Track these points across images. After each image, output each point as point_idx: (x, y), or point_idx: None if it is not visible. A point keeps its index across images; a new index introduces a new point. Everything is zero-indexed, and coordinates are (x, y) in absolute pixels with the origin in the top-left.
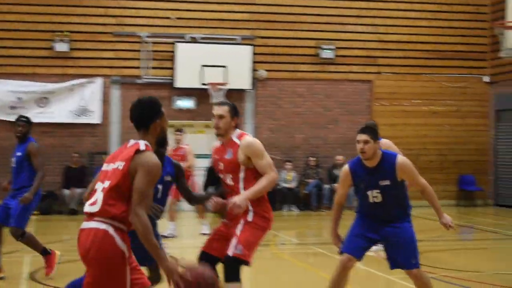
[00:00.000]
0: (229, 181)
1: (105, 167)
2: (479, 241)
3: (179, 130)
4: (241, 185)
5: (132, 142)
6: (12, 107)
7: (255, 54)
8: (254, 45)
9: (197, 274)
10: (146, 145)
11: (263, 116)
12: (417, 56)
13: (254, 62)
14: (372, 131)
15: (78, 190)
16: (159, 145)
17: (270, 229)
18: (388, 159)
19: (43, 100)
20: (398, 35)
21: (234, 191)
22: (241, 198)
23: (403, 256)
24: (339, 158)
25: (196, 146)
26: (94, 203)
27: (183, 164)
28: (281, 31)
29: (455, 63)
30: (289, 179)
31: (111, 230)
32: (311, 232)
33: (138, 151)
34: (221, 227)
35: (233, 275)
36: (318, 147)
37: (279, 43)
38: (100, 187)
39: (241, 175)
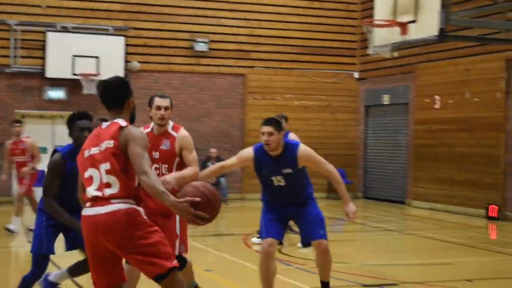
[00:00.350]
0: (164, 170)
1: (88, 153)
2: (348, 233)
3: (17, 121)
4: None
5: (106, 124)
6: None
7: (128, 45)
8: (127, 36)
9: (202, 194)
10: (125, 121)
11: (137, 108)
12: (289, 51)
13: (127, 53)
14: (276, 122)
15: None
16: (131, 121)
17: None
18: (290, 149)
19: None
20: (271, 30)
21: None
22: (171, 176)
23: (312, 227)
24: (213, 151)
25: (66, 137)
26: (107, 185)
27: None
28: (155, 22)
29: (326, 59)
30: None
31: (134, 207)
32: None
33: (121, 128)
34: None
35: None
36: (192, 139)
37: (152, 35)
38: (98, 171)
39: (175, 165)
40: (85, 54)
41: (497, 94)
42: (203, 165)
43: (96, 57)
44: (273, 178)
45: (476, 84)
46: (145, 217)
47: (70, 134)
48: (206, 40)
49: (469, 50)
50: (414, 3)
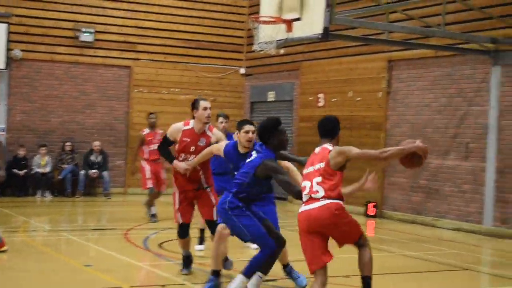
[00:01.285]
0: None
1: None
2: None
3: (152, 112)
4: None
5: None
6: None
7: (10, 32)
8: (9, 23)
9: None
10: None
11: (17, 97)
12: (176, 45)
13: (9, 41)
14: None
15: None
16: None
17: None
18: (256, 147)
19: None
20: (157, 23)
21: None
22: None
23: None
24: (96, 144)
25: None
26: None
27: None
28: (38, 10)
29: (213, 54)
30: (43, 164)
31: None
32: (64, 218)
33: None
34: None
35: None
36: (75, 131)
37: (36, 23)
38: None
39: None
40: None
41: (378, 94)
42: (85, 158)
43: None
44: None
45: (359, 84)
46: None
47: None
48: (92, 30)
49: (353, 49)
50: (300, 1)
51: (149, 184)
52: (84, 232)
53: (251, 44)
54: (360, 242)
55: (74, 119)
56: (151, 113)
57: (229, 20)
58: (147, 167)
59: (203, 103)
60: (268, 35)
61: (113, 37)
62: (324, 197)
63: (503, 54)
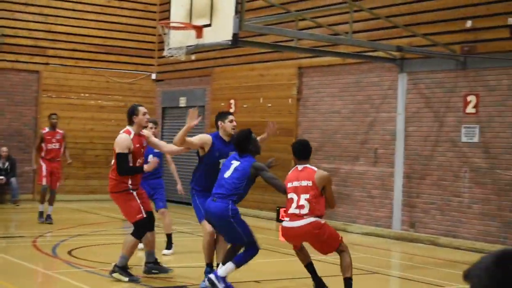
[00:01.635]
0: None
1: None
2: None
3: (54, 113)
4: None
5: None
6: None
7: None
8: None
9: None
10: None
11: None
12: (85, 49)
13: None
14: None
15: None
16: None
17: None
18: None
19: None
20: (67, 27)
21: None
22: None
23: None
24: (4, 149)
25: None
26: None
27: None
28: None
29: (123, 59)
30: None
31: None
32: None
33: None
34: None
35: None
36: None
37: None
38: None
39: None
40: None
41: (289, 100)
42: None
43: None
44: (221, 160)
45: (270, 90)
46: None
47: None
48: None
49: (264, 56)
50: (210, 7)
51: (44, 181)
52: None
53: (162, 49)
54: (340, 248)
55: None
56: (52, 114)
57: (140, 25)
58: (43, 165)
59: (141, 109)
60: (178, 40)
61: (22, 41)
62: (307, 214)
63: (408, 62)
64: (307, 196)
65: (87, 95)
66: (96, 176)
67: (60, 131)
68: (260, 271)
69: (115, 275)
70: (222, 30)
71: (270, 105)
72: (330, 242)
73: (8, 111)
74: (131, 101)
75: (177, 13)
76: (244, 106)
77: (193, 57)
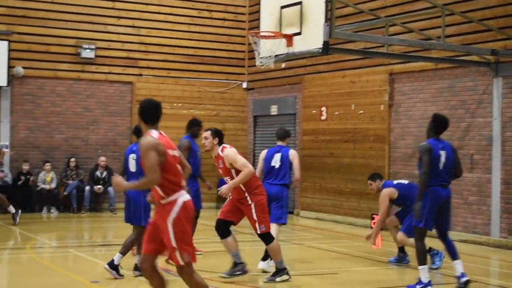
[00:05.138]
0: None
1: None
2: None
3: None
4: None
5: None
6: None
7: (11, 50)
8: (10, 41)
9: None
10: None
11: (20, 114)
12: (178, 60)
13: (11, 58)
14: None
15: None
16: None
17: (265, 193)
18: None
19: None
20: (159, 38)
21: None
22: (225, 187)
23: None
24: (103, 159)
25: None
26: None
27: None
28: (39, 27)
29: (214, 69)
30: (48, 180)
31: None
32: (71, 234)
33: None
34: (232, 202)
35: (269, 240)
36: (79, 147)
37: (37, 40)
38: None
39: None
40: None
41: (381, 107)
42: (90, 174)
43: None
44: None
45: (361, 96)
46: None
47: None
48: (93, 46)
49: (355, 63)
50: (299, 16)
51: None
52: (91, 248)
53: (253, 58)
54: None
55: (77, 135)
56: None
57: (231, 35)
58: None
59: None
60: (268, 50)
61: (115, 53)
62: None
63: (503, 66)
64: None
65: (179, 104)
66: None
67: None
68: (355, 279)
69: (279, 278)
70: (312, 38)
71: (362, 112)
72: None
73: (104, 122)
74: (223, 110)
75: (267, 22)
76: (336, 113)
77: (283, 65)
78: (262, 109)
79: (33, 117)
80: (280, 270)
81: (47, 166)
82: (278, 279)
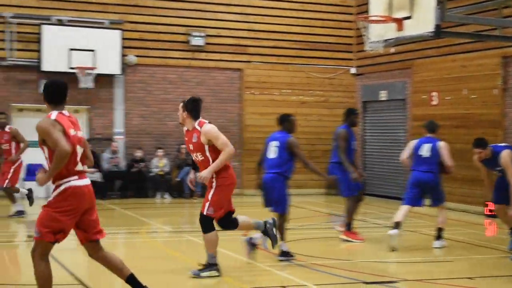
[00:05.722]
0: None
1: (77, 133)
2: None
3: (1, 113)
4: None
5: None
6: None
7: (124, 39)
8: (123, 30)
9: None
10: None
11: (133, 102)
12: (286, 46)
13: (124, 47)
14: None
15: None
16: None
17: (235, 182)
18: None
19: None
20: (268, 25)
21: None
22: (206, 171)
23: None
24: None
25: None
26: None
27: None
28: (151, 16)
29: (323, 54)
30: (161, 166)
31: None
32: (183, 219)
33: None
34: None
35: (207, 229)
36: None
37: (149, 29)
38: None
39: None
40: (81, 47)
41: (494, 91)
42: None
43: (92, 50)
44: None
45: (473, 81)
46: None
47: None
48: (203, 34)
49: (466, 46)
50: None
51: None
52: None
53: (361, 43)
54: None
55: None
56: (0, 113)
57: (339, 20)
58: None
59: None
60: (378, 34)
61: (224, 40)
62: None
63: None
64: None
65: (289, 91)
66: (300, 171)
67: (8, 131)
68: (470, 267)
69: (207, 274)
70: (423, 22)
71: (474, 96)
72: None
73: (214, 109)
74: (332, 96)
75: (376, 6)
76: (447, 98)
77: (392, 50)
78: (371, 95)
79: (145, 105)
80: (211, 265)
81: (160, 152)
82: (204, 274)
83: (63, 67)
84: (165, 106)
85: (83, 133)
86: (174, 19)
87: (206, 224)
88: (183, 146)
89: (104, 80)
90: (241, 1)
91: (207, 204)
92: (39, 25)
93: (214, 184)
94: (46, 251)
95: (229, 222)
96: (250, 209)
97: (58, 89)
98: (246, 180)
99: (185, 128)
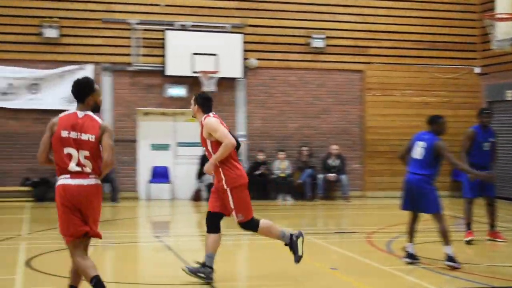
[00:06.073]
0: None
1: (70, 135)
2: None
3: None
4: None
5: (82, 114)
6: (3, 93)
7: (245, 42)
8: (244, 34)
9: None
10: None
11: (254, 105)
12: (408, 47)
13: (245, 50)
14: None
15: None
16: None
17: (245, 180)
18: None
19: (34, 86)
20: (388, 25)
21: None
22: (208, 164)
23: None
24: (334, 147)
25: (187, 134)
26: (81, 165)
27: None
28: (271, 19)
29: (446, 54)
30: (283, 168)
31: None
32: (305, 222)
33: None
34: (213, 190)
35: (252, 229)
36: (311, 136)
37: (269, 32)
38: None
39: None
40: (203, 51)
41: None
42: (323, 162)
43: (215, 54)
44: None
45: None
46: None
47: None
48: (323, 36)
49: None
50: None
51: None
52: (326, 235)
53: (486, 42)
54: None
55: (309, 124)
56: None
57: (461, 19)
58: None
59: None
60: (504, 32)
61: (344, 42)
62: None
63: None
64: None
65: (411, 91)
66: None
67: None
68: None
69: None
70: None
71: None
72: None
73: (335, 110)
74: (455, 97)
75: (503, 4)
76: None
77: None
78: (497, 95)
79: (266, 107)
80: (206, 266)
81: (281, 155)
82: (199, 273)
83: (186, 71)
84: (286, 109)
85: (90, 137)
86: (295, 21)
87: (250, 228)
88: (304, 148)
89: (226, 84)
90: (359, 1)
91: (234, 213)
92: (163, 30)
93: (227, 188)
94: (73, 249)
95: (249, 223)
96: (374, 211)
97: (73, 87)
98: (368, 182)
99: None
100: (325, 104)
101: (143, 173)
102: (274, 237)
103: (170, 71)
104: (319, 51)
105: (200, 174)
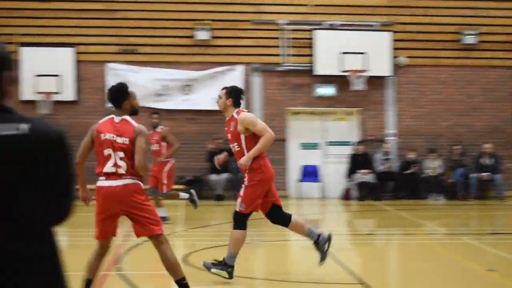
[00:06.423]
0: (236, 147)
1: (109, 137)
2: None
3: (155, 113)
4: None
5: (118, 118)
6: (158, 95)
7: (394, 40)
8: (393, 31)
9: None
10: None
11: (405, 103)
12: None
13: (394, 48)
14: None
15: (224, 175)
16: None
17: (270, 176)
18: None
19: (186, 87)
20: None
21: (241, 157)
22: (244, 158)
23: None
24: (487, 146)
25: (336, 133)
26: (117, 166)
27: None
28: (421, 16)
29: None
30: (434, 167)
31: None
32: (458, 222)
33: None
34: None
35: (238, 225)
36: (462, 135)
37: (418, 29)
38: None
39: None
40: (352, 50)
41: None
42: (475, 161)
43: (364, 53)
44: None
45: None
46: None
47: None
48: (475, 32)
49: None
50: None
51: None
52: (480, 236)
53: None
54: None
55: (461, 122)
56: (154, 113)
57: None
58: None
59: None
60: None
61: (497, 38)
62: None
63: None
64: None
65: None
66: None
67: (159, 131)
68: None
69: (216, 270)
70: None
71: None
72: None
73: (486, 108)
74: None
75: None
76: None
77: None
78: None
79: (417, 105)
80: (226, 265)
81: (432, 154)
82: (214, 270)
83: (335, 71)
84: (437, 107)
85: (124, 140)
86: (445, 18)
87: (237, 221)
88: (456, 146)
89: (375, 82)
90: None
91: (239, 201)
92: (311, 30)
93: (246, 179)
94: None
95: (278, 217)
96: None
97: (108, 94)
98: None
99: (226, 117)
100: (475, 102)
101: (293, 172)
102: (302, 233)
103: (318, 70)
104: (470, 48)
105: (350, 172)
